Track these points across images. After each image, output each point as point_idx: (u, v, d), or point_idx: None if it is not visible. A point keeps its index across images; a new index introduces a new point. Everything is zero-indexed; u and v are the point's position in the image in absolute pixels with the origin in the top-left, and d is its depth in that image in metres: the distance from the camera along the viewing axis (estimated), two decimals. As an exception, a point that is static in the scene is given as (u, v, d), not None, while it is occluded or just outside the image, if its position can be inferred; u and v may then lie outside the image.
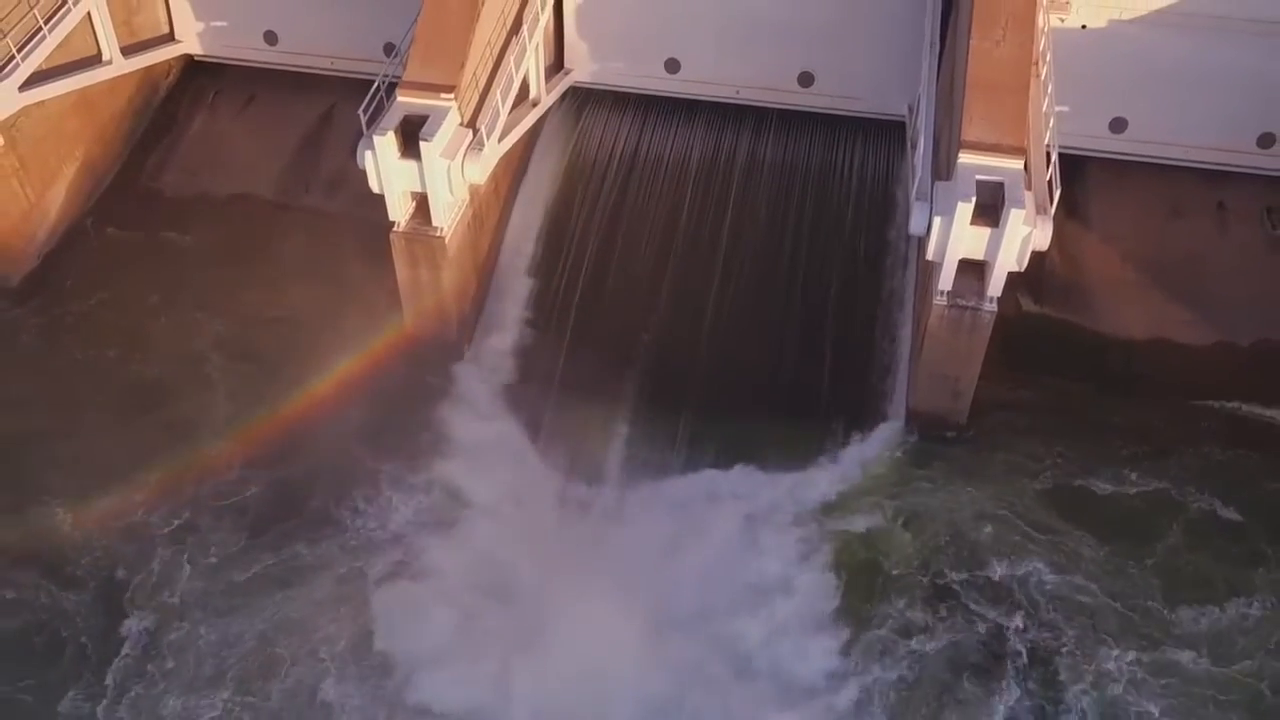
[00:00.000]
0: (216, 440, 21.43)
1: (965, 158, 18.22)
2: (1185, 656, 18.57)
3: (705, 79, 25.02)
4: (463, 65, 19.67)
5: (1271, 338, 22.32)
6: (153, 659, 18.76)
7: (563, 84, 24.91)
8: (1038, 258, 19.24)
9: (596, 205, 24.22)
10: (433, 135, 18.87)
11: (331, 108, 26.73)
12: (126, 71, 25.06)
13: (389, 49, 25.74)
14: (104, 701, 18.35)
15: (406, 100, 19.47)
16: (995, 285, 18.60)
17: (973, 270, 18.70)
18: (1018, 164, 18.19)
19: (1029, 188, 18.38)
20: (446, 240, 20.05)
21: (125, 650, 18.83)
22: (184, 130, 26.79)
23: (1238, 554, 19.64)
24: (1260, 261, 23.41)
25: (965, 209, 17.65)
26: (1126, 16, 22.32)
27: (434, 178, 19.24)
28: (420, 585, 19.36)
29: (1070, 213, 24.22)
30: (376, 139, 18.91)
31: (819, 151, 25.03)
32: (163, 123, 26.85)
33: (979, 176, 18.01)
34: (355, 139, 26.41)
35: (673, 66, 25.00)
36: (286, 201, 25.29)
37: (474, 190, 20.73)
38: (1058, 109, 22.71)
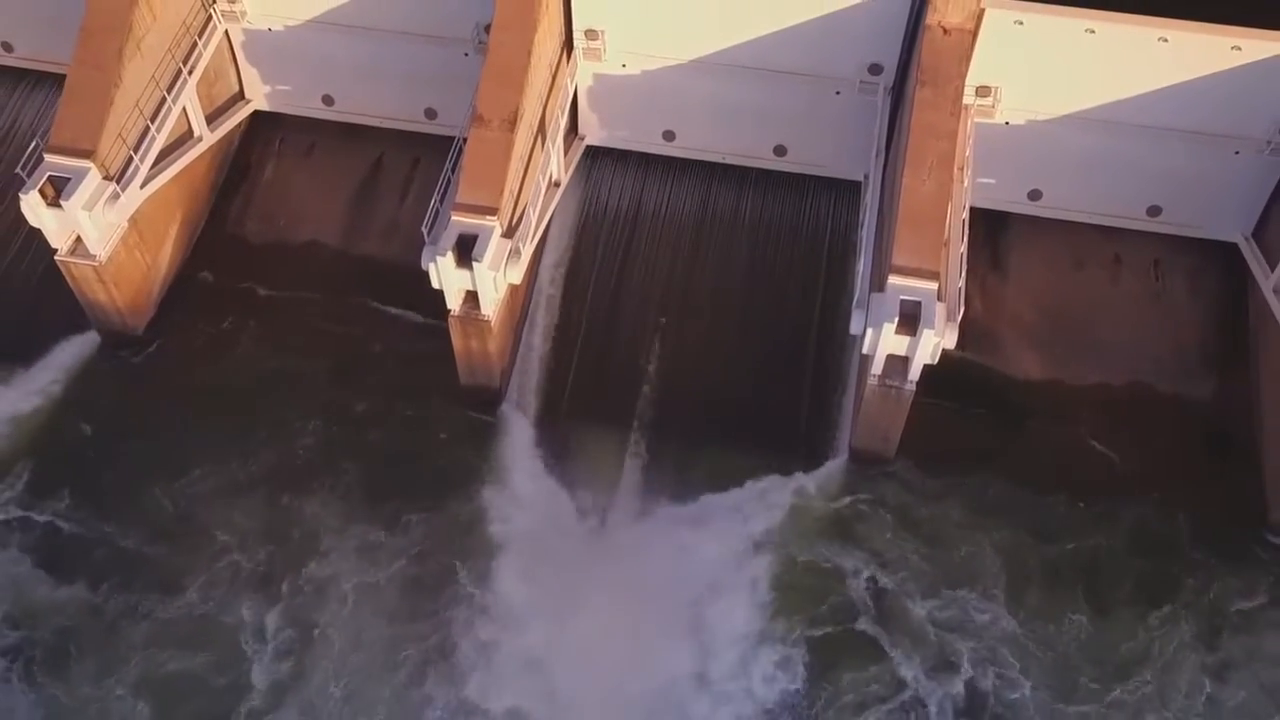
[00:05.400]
0: (311, 434, 27.43)
1: (894, 279, 23.65)
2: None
3: (696, 147, 30.09)
4: (502, 189, 24.80)
5: (1142, 379, 28.12)
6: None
7: (578, 153, 29.92)
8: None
9: (606, 254, 29.89)
10: (482, 255, 24.17)
11: (381, 156, 31.75)
12: (214, 142, 29.85)
13: (429, 113, 30.75)
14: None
15: (460, 220, 24.63)
16: (914, 372, 24.30)
17: (899, 359, 24.36)
18: (933, 286, 23.61)
19: (942, 298, 23.87)
20: (492, 323, 25.63)
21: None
22: (257, 178, 31.62)
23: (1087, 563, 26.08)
24: (1141, 310, 28.99)
25: (890, 327, 23.25)
26: (1041, 117, 27.24)
27: (483, 283, 24.68)
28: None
29: (993, 264, 29.72)
30: (438, 258, 24.20)
31: (792, 205, 30.48)
32: (238, 171, 31.59)
33: (903, 296, 23.50)
34: (404, 187, 31.75)
35: (669, 136, 30.00)
36: (349, 248, 30.60)
37: (511, 275, 26.17)
38: (986, 180, 28.02)
